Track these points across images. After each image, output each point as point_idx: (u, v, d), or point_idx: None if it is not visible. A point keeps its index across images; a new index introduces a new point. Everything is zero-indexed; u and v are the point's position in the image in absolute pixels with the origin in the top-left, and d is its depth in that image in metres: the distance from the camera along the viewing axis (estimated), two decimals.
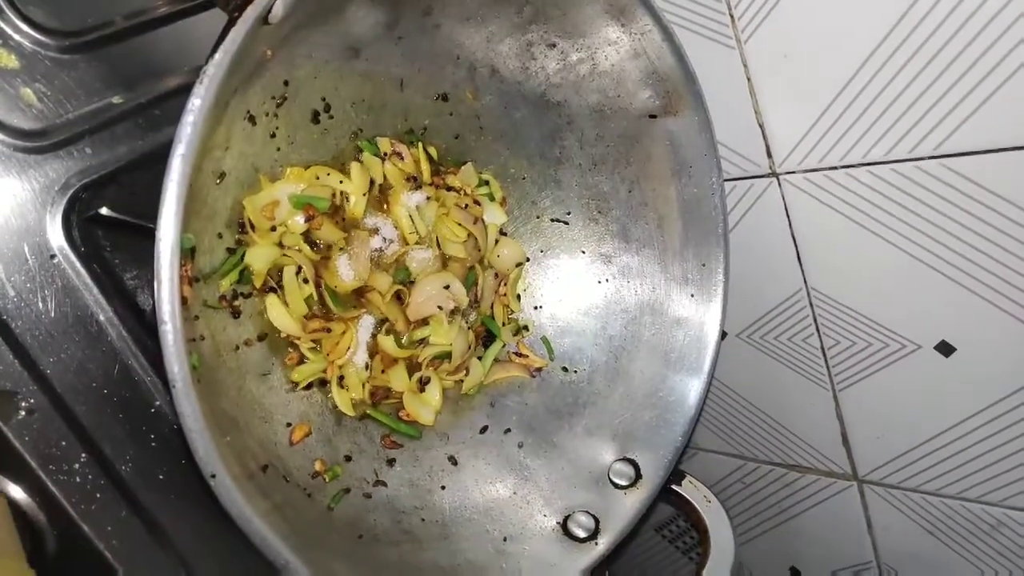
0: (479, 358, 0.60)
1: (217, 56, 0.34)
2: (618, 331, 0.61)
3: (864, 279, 0.59)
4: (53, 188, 0.43)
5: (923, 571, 0.68)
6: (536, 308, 0.63)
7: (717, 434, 0.79)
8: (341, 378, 0.52)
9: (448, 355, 0.56)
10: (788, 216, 0.61)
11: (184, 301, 0.36)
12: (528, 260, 0.63)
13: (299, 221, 0.48)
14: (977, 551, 0.63)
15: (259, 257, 0.47)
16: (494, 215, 0.61)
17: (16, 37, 0.44)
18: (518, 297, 0.63)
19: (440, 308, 0.55)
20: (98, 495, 0.43)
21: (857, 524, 0.71)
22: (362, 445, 0.52)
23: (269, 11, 0.36)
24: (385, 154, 0.55)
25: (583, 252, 0.63)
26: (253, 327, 0.47)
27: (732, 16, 0.57)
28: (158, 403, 0.46)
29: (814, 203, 0.59)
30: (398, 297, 0.55)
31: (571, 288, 0.63)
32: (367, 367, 0.53)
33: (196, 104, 0.34)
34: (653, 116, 0.56)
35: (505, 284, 0.62)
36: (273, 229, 0.48)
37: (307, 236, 0.50)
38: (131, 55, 0.48)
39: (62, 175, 0.44)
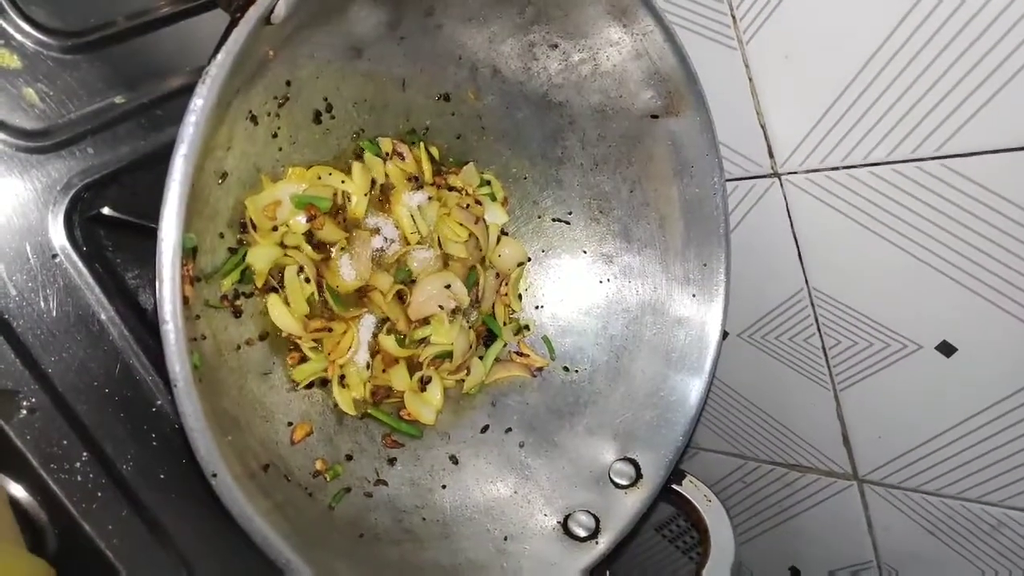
0: (480, 357, 0.60)
1: (219, 56, 0.34)
2: (619, 331, 0.61)
3: (865, 279, 0.59)
4: (55, 188, 0.43)
5: (923, 571, 0.68)
6: (537, 308, 0.63)
7: (718, 434, 0.79)
8: (342, 377, 0.52)
9: (449, 354, 0.56)
10: (790, 216, 0.61)
11: (186, 301, 0.36)
12: (529, 260, 0.63)
13: (301, 221, 0.48)
14: (977, 551, 0.63)
15: (261, 257, 0.47)
16: (495, 215, 0.61)
17: (18, 37, 0.44)
18: (519, 297, 0.63)
19: (441, 307, 0.55)
20: (99, 494, 0.43)
21: (857, 524, 0.71)
22: (363, 444, 0.52)
23: (271, 11, 0.36)
24: (387, 154, 0.55)
25: (584, 252, 0.63)
26: (254, 326, 0.47)
27: (734, 17, 0.57)
28: (159, 402, 0.46)
29: (816, 203, 0.59)
30: (399, 297, 0.55)
31: (572, 288, 0.63)
32: (368, 366, 0.53)
33: (198, 104, 0.34)
34: (655, 116, 0.56)
35: (506, 284, 0.62)
36: (275, 229, 0.48)
37: (309, 236, 0.50)
38: (133, 55, 0.48)
39: (64, 175, 0.44)
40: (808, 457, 0.72)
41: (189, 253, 0.42)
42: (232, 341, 0.46)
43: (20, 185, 0.43)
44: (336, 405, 0.51)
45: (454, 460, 0.55)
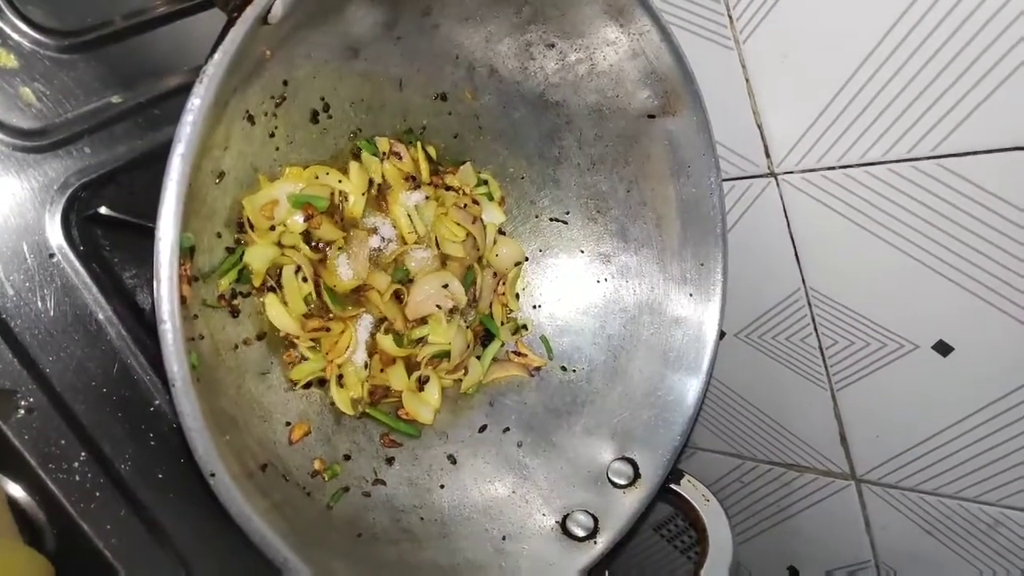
0: (478, 357, 0.60)
1: (216, 56, 0.34)
2: (617, 330, 0.61)
3: (862, 279, 0.59)
4: (52, 187, 0.43)
5: (921, 570, 0.68)
6: (535, 307, 0.64)
7: (715, 433, 0.79)
8: (340, 377, 0.52)
9: (447, 354, 0.56)
10: (786, 216, 0.61)
11: (183, 300, 0.36)
12: (527, 259, 0.64)
13: (298, 220, 0.48)
14: (975, 550, 0.63)
15: (258, 256, 0.47)
16: (493, 214, 0.61)
17: (15, 37, 0.44)
18: (517, 296, 0.63)
19: (439, 307, 0.55)
20: (97, 494, 0.43)
21: (855, 523, 0.71)
22: (361, 444, 0.52)
23: (268, 11, 0.36)
24: (384, 154, 0.55)
25: (582, 251, 0.63)
26: (252, 326, 0.47)
27: (730, 17, 0.57)
28: (157, 402, 0.46)
29: (812, 203, 0.59)
30: (397, 296, 0.55)
31: (570, 287, 0.63)
32: (366, 366, 0.53)
33: (196, 104, 0.34)
34: (652, 116, 0.56)
35: (504, 283, 0.62)
36: (272, 228, 0.48)
37: (306, 235, 0.50)
38: (130, 55, 0.48)
39: (61, 174, 0.44)
40: (806, 457, 0.72)
41: (187, 252, 0.42)
42: (230, 341, 0.46)
43: (17, 184, 0.43)
44: (334, 405, 0.51)
45: (452, 460, 0.55)
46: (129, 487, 0.44)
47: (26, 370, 0.41)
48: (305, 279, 0.49)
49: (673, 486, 0.56)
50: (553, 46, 0.55)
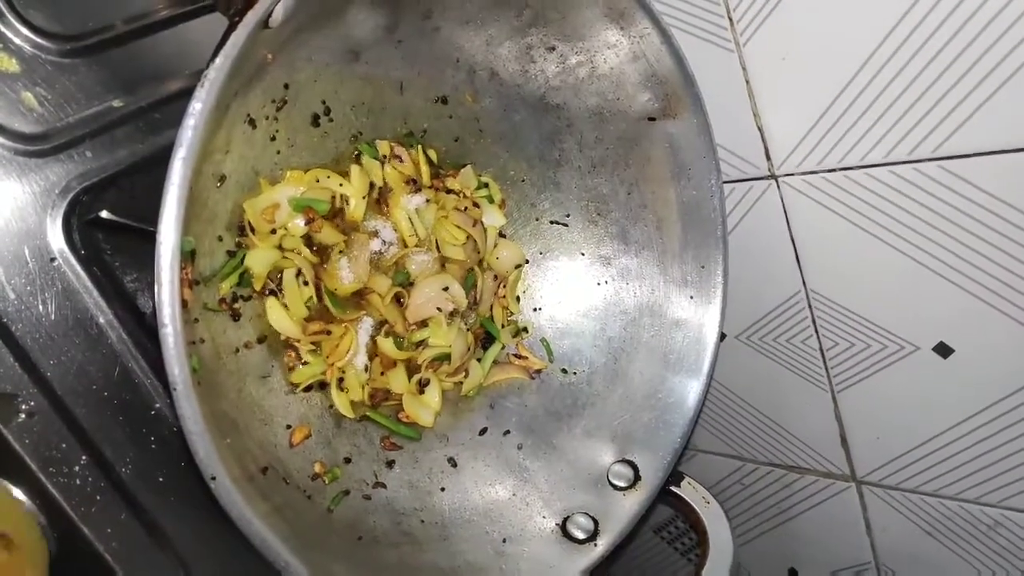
0: (478, 360, 0.60)
1: (218, 60, 0.34)
2: (617, 333, 0.61)
3: (863, 281, 0.59)
4: (53, 191, 0.43)
5: (921, 572, 0.68)
6: (535, 310, 0.64)
7: (716, 435, 0.79)
8: (341, 380, 0.52)
9: (447, 357, 0.56)
10: (787, 218, 0.61)
11: (184, 304, 0.36)
12: (527, 262, 0.64)
13: (299, 224, 0.48)
14: (975, 551, 0.63)
15: (259, 260, 0.47)
16: (493, 217, 0.61)
17: (16, 41, 0.44)
18: (517, 299, 0.63)
19: (439, 310, 0.56)
20: (98, 497, 0.43)
21: (856, 525, 0.71)
22: (362, 447, 0.52)
23: (269, 15, 0.36)
24: (385, 157, 0.55)
25: (582, 254, 0.63)
26: (253, 329, 0.48)
27: (731, 19, 0.57)
28: (158, 405, 0.46)
29: (813, 205, 0.59)
30: (397, 299, 0.55)
31: (570, 290, 0.63)
32: (367, 369, 0.53)
33: (197, 108, 0.34)
34: (652, 119, 0.56)
35: (504, 286, 0.62)
36: (273, 232, 0.48)
37: (307, 239, 0.50)
38: (131, 59, 0.48)
39: (62, 178, 0.44)
40: (806, 458, 0.72)
41: (188, 256, 0.42)
42: (231, 344, 0.46)
43: (18, 189, 0.43)
44: (334, 408, 0.51)
45: (452, 462, 0.55)
46: (130, 490, 0.44)
47: (27, 374, 0.41)
48: (306, 282, 0.49)
49: (673, 488, 0.56)
50: (554, 49, 0.55)
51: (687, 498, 0.55)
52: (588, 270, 0.63)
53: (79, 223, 0.44)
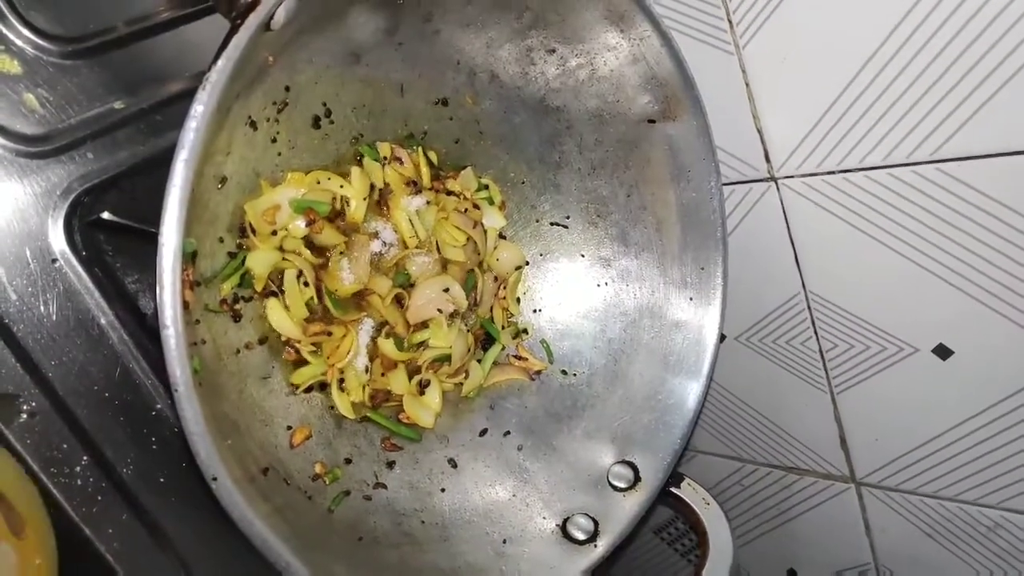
0: (478, 361, 0.60)
1: (220, 63, 0.35)
2: (617, 334, 0.61)
3: (862, 283, 0.59)
4: (55, 193, 0.44)
5: (921, 573, 0.68)
6: (535, 311, 0.64)
7: (716, 437, 0.79)
8: (341, 381, 0.52)
9: (448, 358, 0.57)
10: (786, 220, 0.61)
11: (186, 305, 0.36)
12: (527, 263, 0.64)
13: (300, 225, 0.48)
14: (975, 553, 0.63)
15: (260, 261, 0.47)
16: (493, 219, 0.61)
17: (18, 43, 0.44)
18: (517, 300, 0.63)
19: (440, 311, 0.56)
20: (99, 498, 0.43)
21: (855, 526, 0.71)
22: (362, 448, 0.52)
23: (271, 17, 0.37)
24: (385, 159, 0.55)
25: (582, 256, 0.63)
26: (254, 331, 0.48)
27: (730, 22, 0.57)
28: (159, 406, 0.46)
29: (812, 207, 0.59)
30: (398, 300, 0.55)
31: (570, 291, 0.64)
32: (367, 370, 0.53)
33: (199, 110, 0.34)
34: (652, 121, 0.56)
35: (504, 287, 0.62)
36: (274, 233, 0.48)
37: (307, 240, 0.50)
38: (133, 61, 0.49)
39: (64, 180, 0.44)
40: (806, 460, 0.72)
41: (189, 258, 0.42)
42: (232, 345, 0.46)
43: (20, 190, 0.43)
44: (335, 409, 0.51)
45: (453, 463, 0.55)
46: (131, 491, 0.44)
47: (28, 375, 0.41)
48: (307, 283, 0.49)
49: (673, 489, 0.56)
50: (554, 51, 0.55)
51: (687, 499, 0.56)
52: (588, 272, 0.63)
53: (80, 224, 0.44)
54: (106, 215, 0.45)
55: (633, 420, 0.57)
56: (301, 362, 0.50)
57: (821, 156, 0.57)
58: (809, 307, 0.64)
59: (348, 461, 0.50)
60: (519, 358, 0.61)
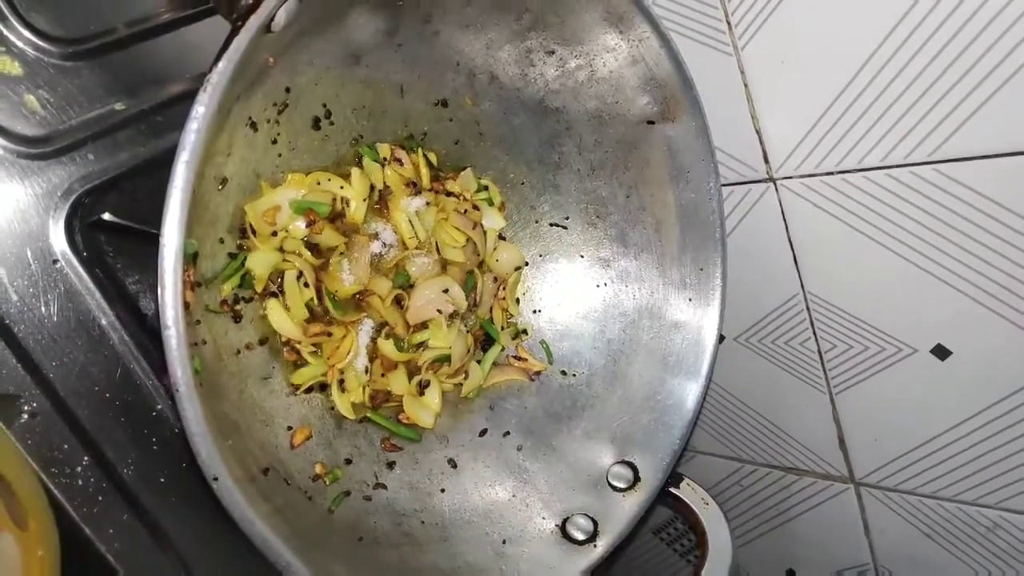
0: (478, 361, 0.60)
1: (220, 64, 0.35)
2: (616, 335, 0.61)
3: (861, 283, 0.60)
4: (56, 194, 0.44)
5: (920, 573, 0.68)
6: (535, 312, 0.64)
7: (715, 437, 0.80)
8: (341, 382, 0.52)
9: (447, 358, 0.57)
10: (785, 221, 0.61)
11: (187, 306, 0.36)
12: (527, 264, 0.64)
13: (300, 226, 0.49)
14: (974, 553, 0.63)
15: (260, 262, 0.47)
16: (493, 220, 0.61)
17: (19, 44, 0.44)
18: (517, 301, 0.63)
19: (439, 312, 0.56)
20: (100, 498, 0.43)
21: (854, 526, 0.71)
22: (362, 448, 0.52)
23: (272, 19, 0.37)
24: (385, 160, 0.55)
25: (582, 256, 0.63)
26: (254, 331, 0.48)
27: (729, 23, 0.57)
28: (160, 407, 0.46)
29: (811, 208, 0.59)
30: (398, 301, 0.55)
31: (570, 292, 0.64)
32: (367, 371, 0.54)
33: (200, 111, 0.34)
34: (651, 122, 0.57)
35: (504, 288, 0.62)
36: (274, 234, 0.48)
37: (308, 241, 0.50)
38: (133, 62, 0.49)
39: (65, 181, 0.44)
40: (805, 460, 0.72)
41: (190, 259, 0.42)
42: (232, 346, 0.46)
43: (21, 191, 0.43)
44: (335, 409, 0.51)
45: (452, 464, 0.55)
46: (131, 491, 0.44)
47: (29, 375, 0.41)
48: (307, 284, 0.49)
49: (672, 489, 0.56)
50: (553, 53, 0.55)
51: (686, 499, 0.56)
52: (587, 272, 0.63)
53: (81, 225, 0.44)
54: (107, 216, 0.45)
55: (632, 420, 0.57)
56: (301, 363, 0.50)
57: (820, 157, 0.57)
58: (808, 308, 0.64)
59: (348, 461, 0.50)
60: (519, 359, 0.62)
